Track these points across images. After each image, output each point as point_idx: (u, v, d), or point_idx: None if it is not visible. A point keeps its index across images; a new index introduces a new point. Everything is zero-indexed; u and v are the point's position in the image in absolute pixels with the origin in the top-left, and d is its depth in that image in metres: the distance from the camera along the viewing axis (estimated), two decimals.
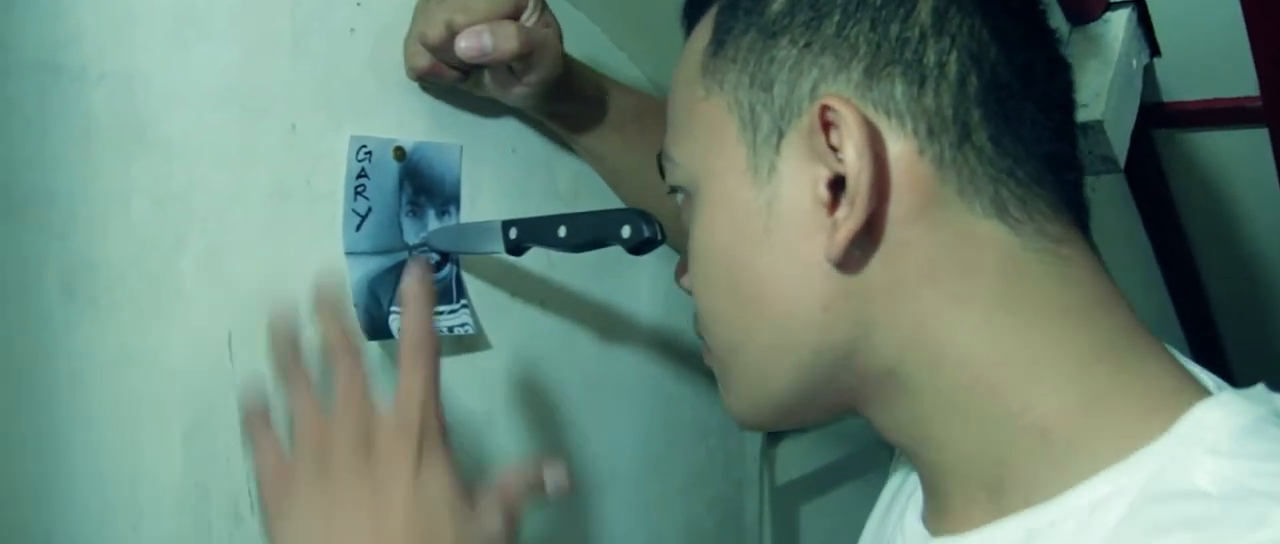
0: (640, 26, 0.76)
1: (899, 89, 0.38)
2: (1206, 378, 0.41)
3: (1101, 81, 0.68)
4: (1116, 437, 0.36)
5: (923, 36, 0.38)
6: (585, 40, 0.72)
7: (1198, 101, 0.80)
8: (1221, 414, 0.36)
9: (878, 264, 0.39)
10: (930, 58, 0.38)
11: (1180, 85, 0.79)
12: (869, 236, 0.38)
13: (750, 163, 0.41)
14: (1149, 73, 0.77)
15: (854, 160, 0.37)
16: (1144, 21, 0.73)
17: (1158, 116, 0.81)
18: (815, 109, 0.38)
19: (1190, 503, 0.34)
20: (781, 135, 0.40)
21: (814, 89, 0.39)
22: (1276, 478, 0.33)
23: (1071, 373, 0.38)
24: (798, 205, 0.39)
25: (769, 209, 0.40)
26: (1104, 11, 0.71)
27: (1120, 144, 0.70)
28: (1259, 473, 0.33)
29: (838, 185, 0.38)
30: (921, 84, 0.38)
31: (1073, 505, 0.36)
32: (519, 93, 0.60)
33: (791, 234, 0.40)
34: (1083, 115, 0.67)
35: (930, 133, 0.38)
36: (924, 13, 0.39)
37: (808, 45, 0.39)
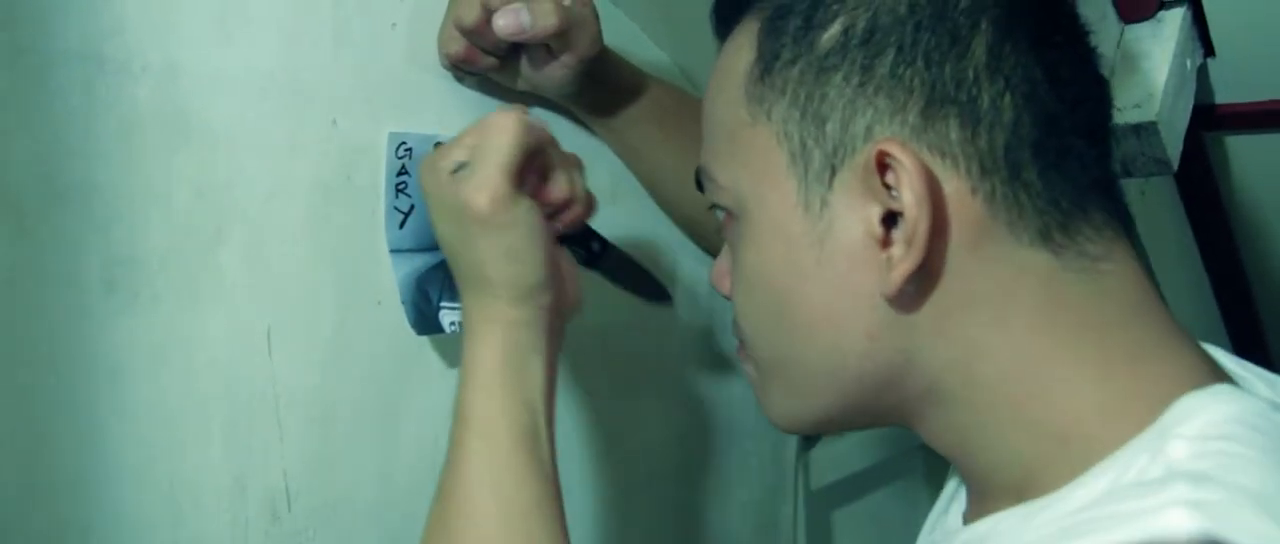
0: (678, 23, 0.75)
1: (954, 131, 0.39)
2: (1253, 376, 0.41)
3: (1156, 82, 0.67)
4: (1120, 435, 0.37)
5: (977, 78, 0.39)
6: (623, 36, 0.71)
7: (1253, 104, 0.78)
8: (1203, 402, 0.36)
9: (926, 297, 0.40)
10: (985, 101, 0.39)
11: (1234, 87, 0.77)
12: (921, 273, 0.39)
13: (801, 196, 0.41)
14: (1202, 74, 0.75)
15: (912, 205, 0.38)
16: (1198, 21, 0.71)
17: (1211, 119, 0.79)
18: (871, 150, 0.39)
19: (1124, 493, 0.35)
20: (834, 172, 0.40)
21: (869, 130, 0.39)
22: (1209, 457, 0.33)
23: (1094, 382, 0.38)
24: (850, 239, 0.40)
25: (821, 243, 0.40)
26: (1158, 10, 0.70)
27: (1174, 146, 0.68)
28: (1201, 454, 0.34)
29: (890, 220, 0.39)
30: (976, 126, 0.39)
31: (1066, 497, 0.37)
32: (556, 75, 0.60)
33: (843, 267, 0.40)
34: (1137, 116, 0.66)
35: (983, 172, 0.39)
36: (979, 51, 0.39)
37: (862, 85, 0.39)
